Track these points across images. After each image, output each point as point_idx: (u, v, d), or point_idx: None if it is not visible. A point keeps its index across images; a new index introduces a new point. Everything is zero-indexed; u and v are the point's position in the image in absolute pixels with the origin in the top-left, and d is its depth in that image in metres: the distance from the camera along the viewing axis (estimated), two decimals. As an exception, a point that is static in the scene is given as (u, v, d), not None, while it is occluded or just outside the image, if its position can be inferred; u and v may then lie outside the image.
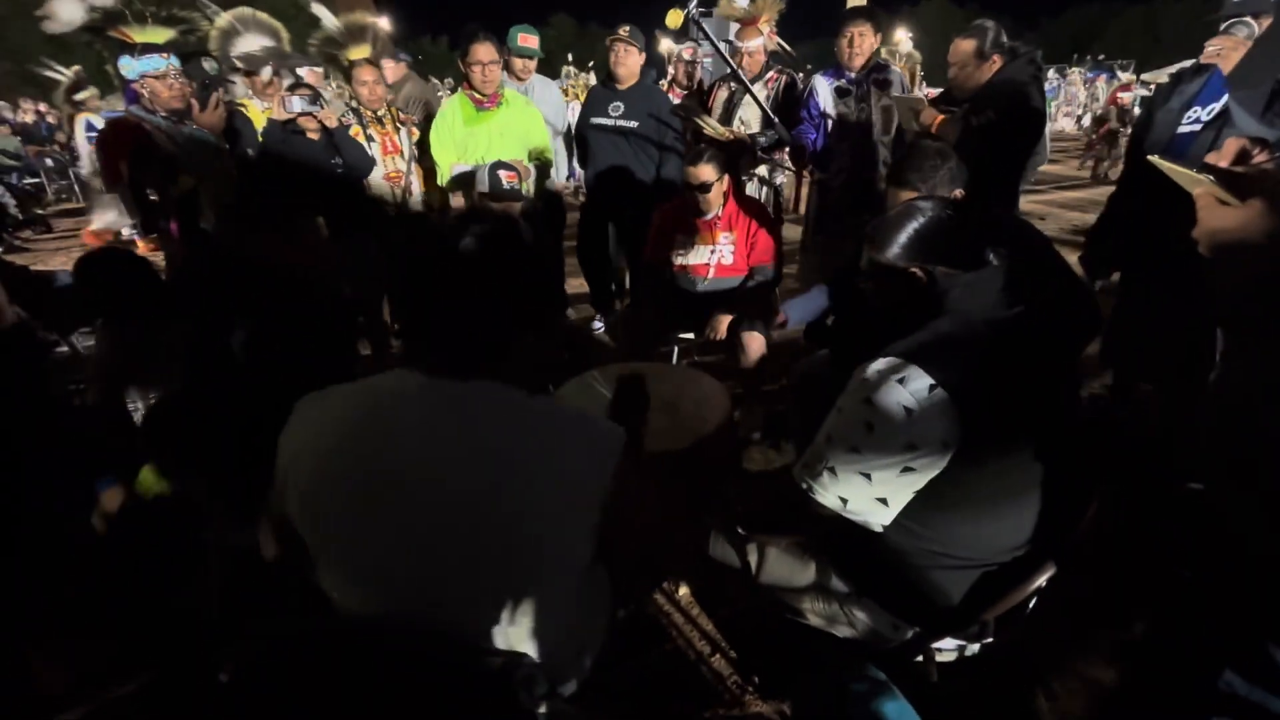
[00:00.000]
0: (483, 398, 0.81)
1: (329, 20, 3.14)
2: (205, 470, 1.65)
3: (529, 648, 0.87)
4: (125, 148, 2.42)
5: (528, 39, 3.18)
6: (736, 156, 3.00)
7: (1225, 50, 1.97)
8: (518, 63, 3.23)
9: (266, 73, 3.20)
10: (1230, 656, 0.82)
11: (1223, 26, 2.07)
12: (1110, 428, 2.39)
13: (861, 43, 2.77)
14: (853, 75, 2.85)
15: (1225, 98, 1.89)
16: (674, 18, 2.71)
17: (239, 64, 3.18)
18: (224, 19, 3.11)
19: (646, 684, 1.51)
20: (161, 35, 2.42)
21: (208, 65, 2.81)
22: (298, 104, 2.52)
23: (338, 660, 0.79)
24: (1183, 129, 1.99)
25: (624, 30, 2.97)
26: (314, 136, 2.59)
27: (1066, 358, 1.10)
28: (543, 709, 0.89)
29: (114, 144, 2.44)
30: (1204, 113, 1.95)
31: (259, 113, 3.11)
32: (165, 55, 2.35)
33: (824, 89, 2.91)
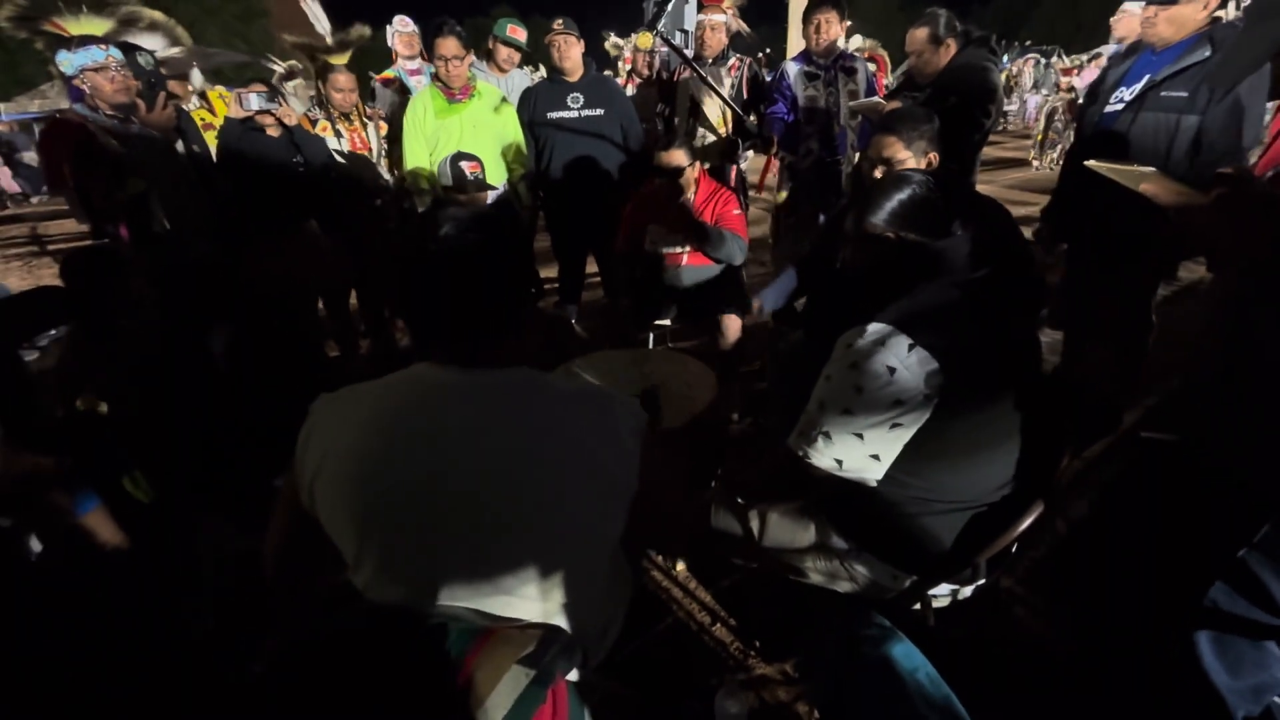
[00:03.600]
0: (515, 384, 0.84)
1: (323, 25, 3.04)
2: (193, 478, 1.62)
3: (563, 623, 0.90)
4: (67, 149, 2.29)
5: (516, 30, 3.15)
6: (728, 151, 3.09)
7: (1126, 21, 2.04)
8: (503, 51, 3.18)
9: (197, 77, 3.03)
10: (1205, 574, 0.93)
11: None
12: (1064, 384, 2.56)
13: (828, 29, 2.88)
14: (821, 61, 2.95)
15: (1146, 78, 2.02)
16: (645, 39, 2.76)
17: (163, 70, 2.99)
18: (110, 21, 2.86)
19: (652, 656, 1.56)
20: (99, 26, 2.29)
21: (142, 59, 2.66)
22: (255, 101, 2.43)
23: (382, 647, 0.81)
24: (1109, 109, 2.13)
25: (559, 24, 2.94)
26: (273, 133, 2.51)
27: (1029, 314, 1.19)
28: (575, 677, 0.93)
29: (56, 145, 2.30)
30: (1127, 93, 2.07)
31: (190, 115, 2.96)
32: (104, 46, 2.22)
33: (794, 73, 3.01)
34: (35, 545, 1.25)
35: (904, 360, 0.99)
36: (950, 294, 1.07)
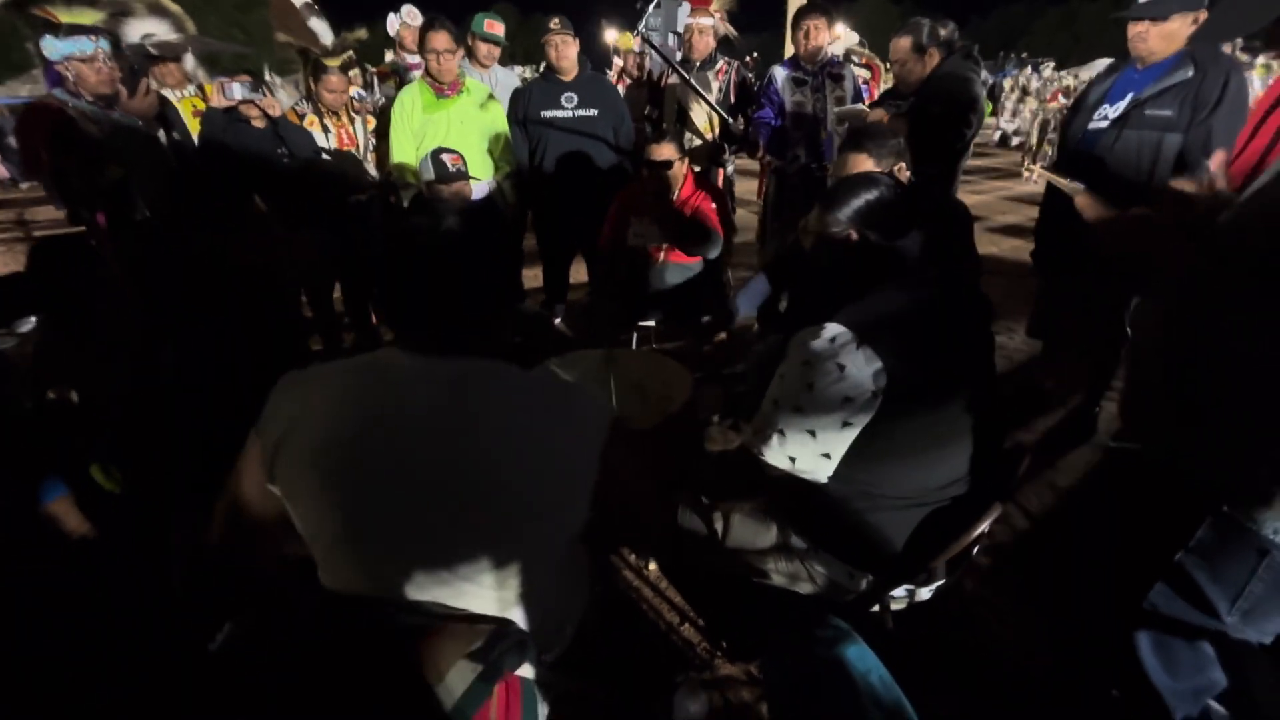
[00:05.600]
0: (478, 372, 0.84)
1: (325, 34, 3.06)
2: (167, 469, 1.61)
3: (517, 616, 0.91)
4: (45, 133, 2.27)
5: (493, 25, 3.15)
6: (714, 154, 3.10)
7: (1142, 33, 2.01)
8: (482, 48, 3.18)
9: (189, 61, 3.00)
10: (1155, 578, 0.95)
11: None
12: (1038, 394, 2.60)
13: (817, 36, 2.92)
14: (808, 67, 2.97)
15: (1130, 96, 2.04)
16: (625, 40, 2.76)
17: (154, 51, 2.96)
18: (103, 12, 2.84)
19: (620, 653, 1.56)
20: (90, 17, 2.27)
21: (125, 46, 2.64)
22: (238, 90, 2.43)
23: (330, 635, 0.81)
24: (1092, 125, 2.14)
25: (555, 23, 2.96)
26: (259, 124, 2.50)
27: (981, 319, 1.20)
28: (530, 673, 0.93)
29: (33, 129, 2.28)
30: (1111, 110, 2.08)
31: (174, 103, 2.95)
32: (94, 37, 2.21)
33: (782, 78, 3.03)
34: None
35: (853, 359, 1.01)
36: (901, 297, 1.09)
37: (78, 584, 1.55)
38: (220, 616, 0.87)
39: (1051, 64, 16.04)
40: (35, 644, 1.42)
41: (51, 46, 2.16)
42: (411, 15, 3.57)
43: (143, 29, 2.87)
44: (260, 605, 0.87)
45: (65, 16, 2.23)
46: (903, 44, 2.44)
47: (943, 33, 2.42)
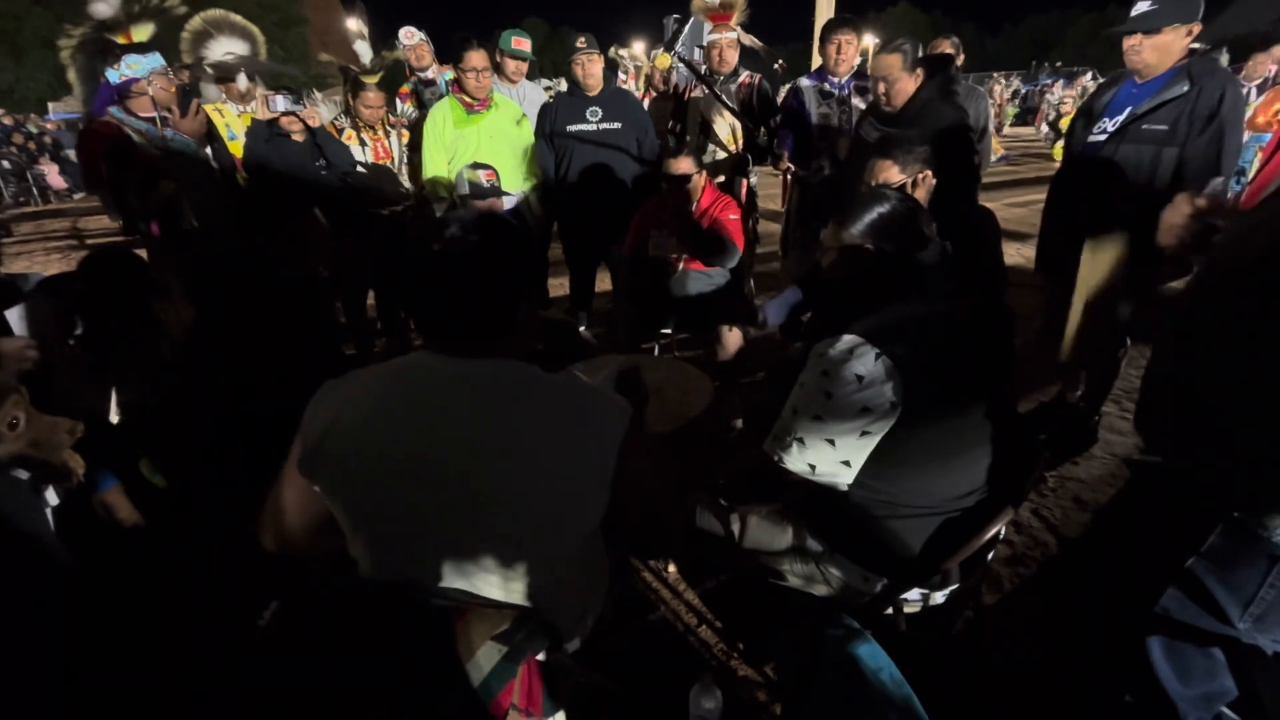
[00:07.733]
0: (501, 374, 0.89)
1: (365, 52, 3.26)
2: (203, 465, 1.70)
3: (537, 606, 0.95)
4: (104, 150, 2.43)
5: (520, 42, 3.26)
6: (740, 164, 3.15)
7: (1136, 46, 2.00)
8: (510, 64, 3.29)
9: (243, 81, 3.20)
10: (1168, 585, 0.95)
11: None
12: (1055, 404, 2.57)
13: (847, 50, 2.94)
14: (836, 80, 3.00)
15: (1128, 110, 2.02)
16: (663, 60, 2.84)
17: (210, 70, 3.17)
18: (196, 21, 3.09)
19: (638, 651, 1.60)
20: (147, 32, 2.43)
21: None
22: (281, 103, 2.57)
23: (364, 614, 0.87)
24: (1092, 138, 2.13)
25: (582, 41, 3.05)
26: (299, 138, 2.63)
27: (1000, 331, 1.22)
28: (544, 658, 0.97)
29: (94, 147, 2.45)
30: (1110, 124, 2.08)
31: (235, 116, 3.13)
32: (155, 54, 2.38)
33: (808, 90, 3.07)
34: (52, 498, 1.33)
35: (871, 369, 1.03)
36: (919, 308, 1.11)
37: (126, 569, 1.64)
38: (264, 598, 0.94)
39: (1090, 73, 15.68)
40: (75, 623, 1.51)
41: (137, 63, 2.31)
42: (408, 35, 3.72)
43: (226, 47, 3.10)
44: (303, 587, 0.93)
45: (137, 35, 2.39)
46: (893, 60, 2.39)
47: (950, 49, 2.42)
